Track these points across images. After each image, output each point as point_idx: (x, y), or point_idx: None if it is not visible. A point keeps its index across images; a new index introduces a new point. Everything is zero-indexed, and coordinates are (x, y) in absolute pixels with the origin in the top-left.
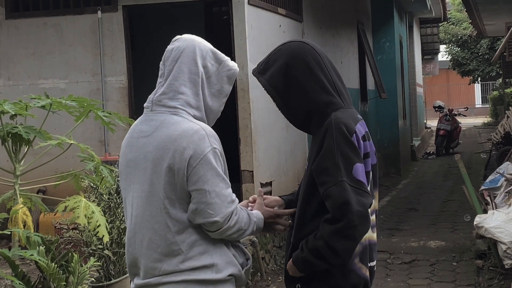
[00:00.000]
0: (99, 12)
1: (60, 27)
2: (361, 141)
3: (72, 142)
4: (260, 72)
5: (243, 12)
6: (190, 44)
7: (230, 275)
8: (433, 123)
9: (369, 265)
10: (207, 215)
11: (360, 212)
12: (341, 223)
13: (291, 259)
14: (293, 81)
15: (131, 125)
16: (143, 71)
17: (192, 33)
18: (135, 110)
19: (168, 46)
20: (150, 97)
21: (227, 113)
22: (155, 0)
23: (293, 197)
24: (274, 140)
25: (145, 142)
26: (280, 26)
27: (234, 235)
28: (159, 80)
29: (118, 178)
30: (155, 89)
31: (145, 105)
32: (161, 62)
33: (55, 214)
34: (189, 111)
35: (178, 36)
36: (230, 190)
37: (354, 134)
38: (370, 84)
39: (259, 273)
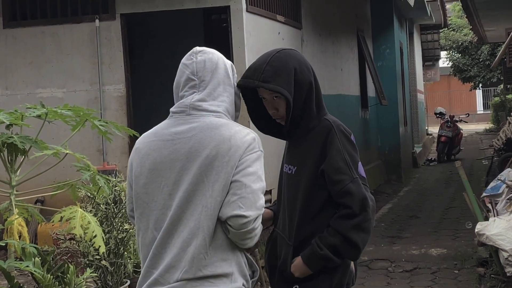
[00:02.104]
0: (97, 20)
1: (58, 36)
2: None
3: (68, 151)
4: (264, 80)
5: (241, 20)
6: (220, 57)
7: (242, 285)
8: (434, 129)
9: None
10: (237, 207)
11: (373, 206)
12: (360, 217)
13: (298, 260)
14: (300, 86)
15: (128, 134)
16: (142, 79)
17: (191, 41)
18: (134, 119)
19: (192, 58)
20: (183, 102)
21: None
22: (153, 8)
23: (276, 207)
24: (273, 147)
25: (186, 142)
26: (279, 33)
27: (249, 240)
28: (187, 87)
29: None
30: (183, 94)
31: (175, 110)
32: (188, 72)
33: (53, 225)
34: (228, 117)
35: (199, 48)
36: (263, 196)
37: (352, 135)
38: (371, 91)
39: (259, 282)
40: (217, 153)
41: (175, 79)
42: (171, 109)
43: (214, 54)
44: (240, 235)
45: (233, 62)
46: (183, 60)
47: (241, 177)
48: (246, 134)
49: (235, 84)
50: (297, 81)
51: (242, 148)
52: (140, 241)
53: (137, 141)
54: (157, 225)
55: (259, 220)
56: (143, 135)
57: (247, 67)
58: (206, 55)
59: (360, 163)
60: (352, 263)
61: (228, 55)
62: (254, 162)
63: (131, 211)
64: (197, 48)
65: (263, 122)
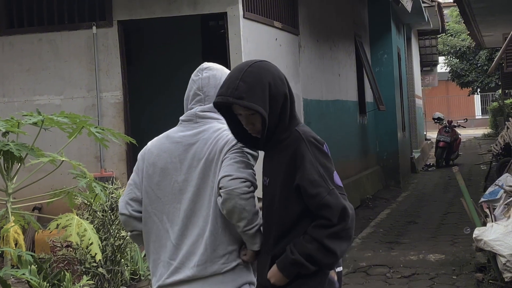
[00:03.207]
0: (94, 27)
1: (55, 43)
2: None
3: (63, 159)
4: (238, 97)
5: (238, 26)
6: (224, 73)
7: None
8: (433, 134)
9: (336, 270)
10: (223, 172)
11: (353, 215)
12: (338, 227)
13: (274, 266)
14: (275, 100)
15: (125, 141)
16: (140, 85)
17: (189, 48)
18: (131, 125)
19: (199, 75)
20: (191, 112)
21: None
22: (151, 15)
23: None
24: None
25: (192, 144)
26: (276, 39)
27: (242, 211)
28: (195, 101)
29: (113, 192)
30: (192, 107)
31: (184, 118)
32: (195, 87)
33: (50, 232)
34: None
35: (206, 65)
36: (251, 173)
37: (325, 145)
38: (369, 96)
39: None
40: (217, 150)
41: (186, 92)
42: (181, 118)
43: (218, 70)
44: (230, 200)
45: (230, 68)
46: (192, 76)
47: (230, 155)
48: None
49: None
50: (272, 95)
51: (233, 143)
52: (148, 231)
53: (149, 143)
54: (169, 217)
55: (246, 188)
56: (155, 138)
57: None
58: (211, 72)
59: (335, 172)
60: (334, 274)
61: (226, 61)
62: (243, 153)
63: (132, 200)
64: (204, 65)
65: (242, 134)
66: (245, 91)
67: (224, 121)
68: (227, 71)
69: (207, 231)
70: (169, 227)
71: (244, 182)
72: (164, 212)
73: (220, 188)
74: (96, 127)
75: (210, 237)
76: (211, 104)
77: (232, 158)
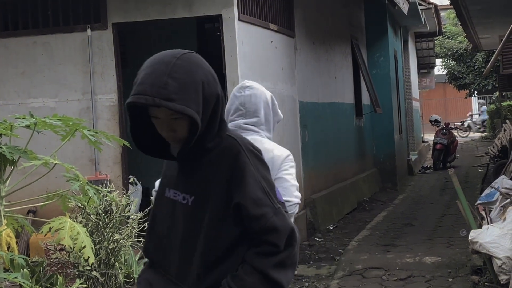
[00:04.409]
0: (89, 30)
1: (49, 45)
2: None
3: (56, 161)
4: (167, 98)
5: (233, 28)
6: (263, 92)
7: None
8: (431, 137)
9: None
10: (282, 195)
11: (299, 238)
12: (284, 253)
13: None
14: (207, 102)
15: (120, 144)
16: None
17: (185, 49)
18: (126, 128)
19: (241, 92)
20: (234, 123)
21: None
22: (146, 17)
23: (149, 238)
24: None
25: None
26: (272, 41)
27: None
28: (236, 114)
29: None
30: (234, 119)
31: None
32: (237, 103)
33: (45, 235)
34: (266, 135)
35: (248, 83)
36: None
37: (261, 152)
38: (365, 99)
39: None
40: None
41: (227, 105)
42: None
43: (258, 89)
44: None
45: (225, 71)
46: (235, 91)
47: (283, 175)
48: (282, 150)
49: (277, 111)
50: (205, 96)
51: (282, 158)
52: None
53: None
54: None
55: (297, 209)
56: None
57: (239, 76)
58: (252, 91)
59: (276, 186)
60: None
61: (221, 64)
62: (290, 168)
63: None
64: (246, 83)
65: (146, 141)
66: (176, 91)
67: (262, 133)
68: (264, 90)
69: None
70: None
71: (297, 205)
72: None
73: None
74: (90, 130)
75: None
76: (253, 119)
77: (285, 180)
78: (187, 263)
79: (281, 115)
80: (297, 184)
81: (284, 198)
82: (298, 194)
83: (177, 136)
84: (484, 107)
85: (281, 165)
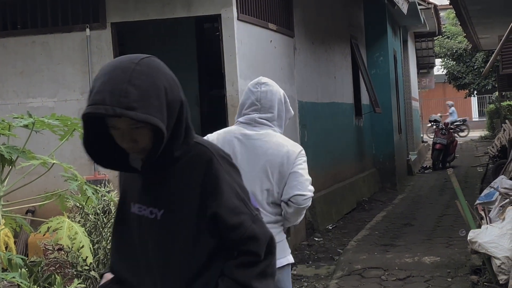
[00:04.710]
0: (88, 29)
1: (48, 45)
2: None
3: (54, 161)
4: (128, 107)
5: (232, 28)
6: (277, 89)
7: None
8: (430, 137)
9: None
10: (296, 189)
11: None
12: (265, 262)
13: None
14: (171, 109)
15: None
16: None
17: (183, 50)
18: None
19: (257, 87)
20: (249, 117)
21: (219, 129)
22: (144, 17)
23: (114, 260)
24: None
25: (252, 142)
26: (271, 41)
27: (302, 216)
28: (251, 109)
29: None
30: (248, 113)
31: (242, 120)
32: (253, 98)
33: (43, 235)
34: (278, 130)
35: (264, 80)
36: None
37: (231, 159)
38: (365, 98)
39: None
40: (278, 152)
41: (242, 99)
42: (239, 119)
43: (273, 86)
44: (299, 210)
45: (224, 70)
46: (250, 87)
47: (298, 170)
48: (295, 145)
49: (289, 108)
50: (169, 103)
51: (296, 153)
52: None
53: (208, 135)
54: None
55: (310, 202)
56: (215, 132)
57: (238, 76)
58: (268, 87)
59: (249, 192)
60: None
61: (220, 63)
62: (304, 163)
63: None
64: (262, 79)
65: (101, 152)
66: (137, 99)
67: (276, 128)
68: (279, 88)
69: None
70: None
71: (310, 199)
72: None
73: (291, 201)
74: None
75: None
76: (267, 114)
77: (300, 175)
78: (161, 283)
79: (292, 112)
80: (310, 179)
81: (299, 192)
82: (312, 188)
83: (139, 147)
84: (453, 108)
85: (296, 159)
